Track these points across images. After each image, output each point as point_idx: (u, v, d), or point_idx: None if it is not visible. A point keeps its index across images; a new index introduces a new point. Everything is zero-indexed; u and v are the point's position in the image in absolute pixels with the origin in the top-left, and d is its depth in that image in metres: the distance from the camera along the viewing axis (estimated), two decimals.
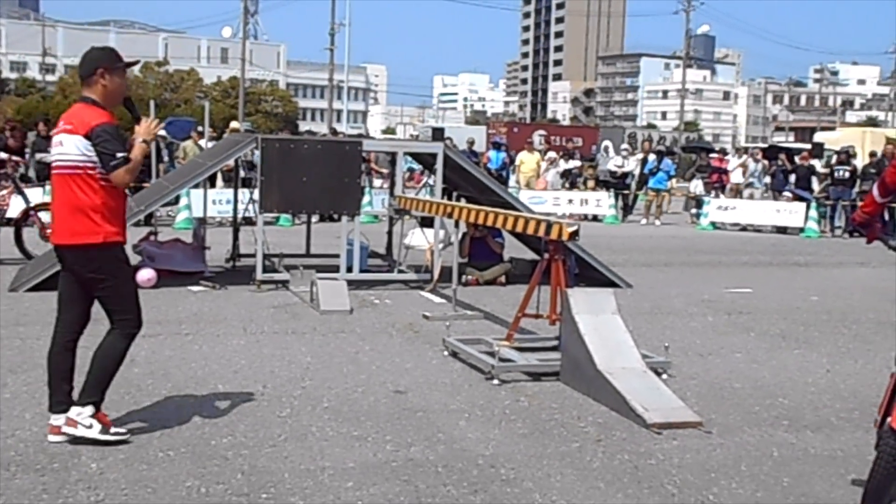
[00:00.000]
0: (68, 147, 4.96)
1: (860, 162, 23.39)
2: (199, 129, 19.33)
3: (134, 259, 10.91)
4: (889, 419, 4.03)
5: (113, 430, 5.08)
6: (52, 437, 5.07)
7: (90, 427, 5.00)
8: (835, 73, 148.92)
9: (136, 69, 71.01)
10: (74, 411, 5.02)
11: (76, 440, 5.02)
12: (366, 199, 17.50)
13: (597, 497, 4.59)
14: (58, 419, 5.08)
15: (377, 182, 22.46)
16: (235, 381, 6.50)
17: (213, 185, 17.70)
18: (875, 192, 4.46)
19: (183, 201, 17.19)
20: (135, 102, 5.45)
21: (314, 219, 14.42)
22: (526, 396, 6.40)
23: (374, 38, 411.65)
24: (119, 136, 5.02)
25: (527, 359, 7.08)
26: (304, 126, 74.55)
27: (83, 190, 4.95)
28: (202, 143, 17.96)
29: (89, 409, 5.03)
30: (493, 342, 7.36)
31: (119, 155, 4.91)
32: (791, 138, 68.76)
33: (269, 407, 5.90)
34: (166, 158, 19.54)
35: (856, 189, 21.37)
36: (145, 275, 10.26)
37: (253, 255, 10.77)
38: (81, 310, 5.20)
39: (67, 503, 4.30)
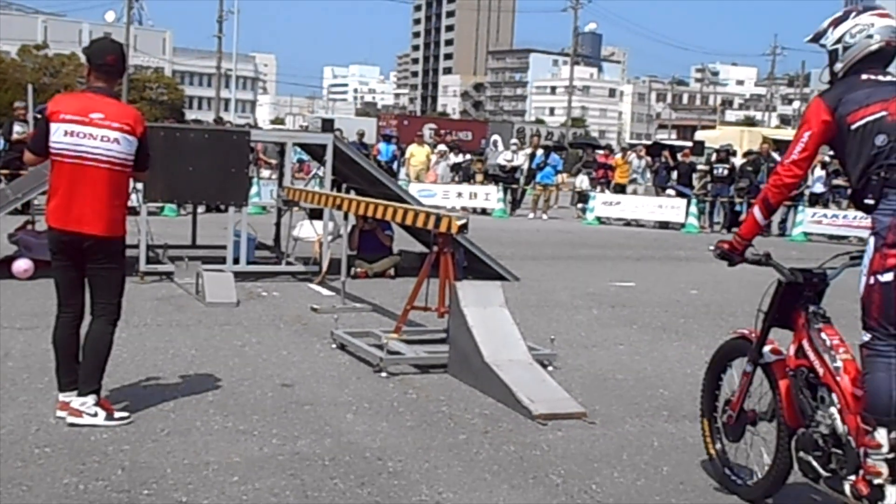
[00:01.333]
0: (125, 146, 5.23)
1: (738, 160, 24.21)
2: None
3: (9, 249, 10.56)
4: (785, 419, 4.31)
5: (116, 414, 5.26)
6: (59, 413, 5.26)
7: (95, 415, 5.17)
8: (715, 74, 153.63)
9: (12, 52, 68.45)
10: (78, 402, 5.19)
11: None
12: (254, 189, 17.25)
13: (483, 488, 4.64)
14: (67, 396, 5.28)
15: (265, 173, 22.18)
16: (116, 374, 6.31)
17: None
18: (758, 214, 4.32)
19: None
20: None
21: (200, 209, 14.16)
22: (414, 389, 6.42)
23: (263, 26, 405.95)
24: None
25: (415, 351, 7.11)
26: (190, 115, 72.99)
27: (124, 186, 5.37)
28: None
29: (92, 398, 5.20)
30: (382, 335, 7.36)
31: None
32: (674, 136, 70.64)
33: (152, 401, 5.77)
34: None
35: (734, 186, 22.08)
36: (22, 265, 9.93)
37: (136, 246, 10.49)
38: (84, 294, 5.44)
39: None
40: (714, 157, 23.59)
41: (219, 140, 10.73)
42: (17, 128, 17.96)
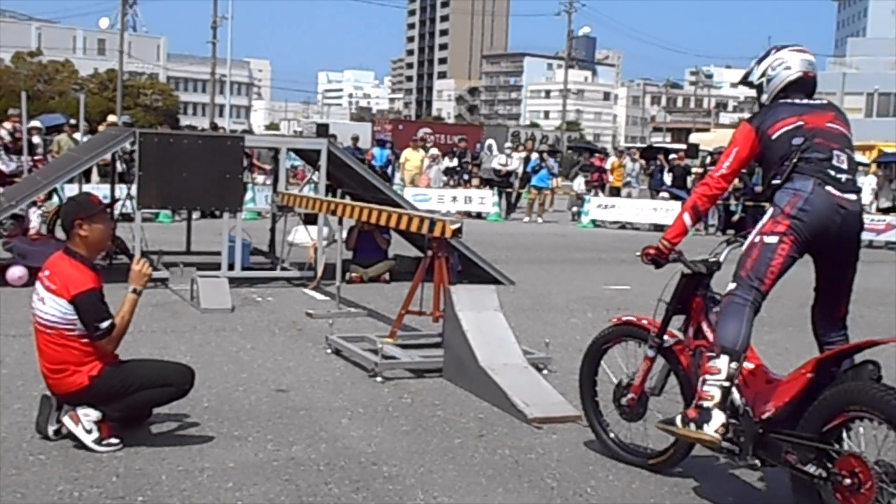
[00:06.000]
0: (49, 307, 5.01)
1: None
2: (73, 122, 18.77)
3: (3, 255, 10.55)
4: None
5: (106, 440, 4.99)
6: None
7: (89, 432, 4.97)
8: (709, 76, 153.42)
9: (6, 59, 68.31)
10: (82, 410, 5.00)
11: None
12: (248, 195, 17.26)
13: (478, 492, 4.64)
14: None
15: (260, 178, 22.18)
16: None
17: (88, 180, 17.16)
18: (686, 220, 4.74)
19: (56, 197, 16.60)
20: (124, 242, 5.43)
21: (195, 215, 14.17)
22: (409, 393, 6.42)
23: (257, 32, 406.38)
24: (102, 300, 5.06)
25: (410, 356, 7.11)
26: (185, 120, 73.02)
27: (61, 346, 4.99)
28: (77, 136, 17.44)
29: (96, 415, 4.99)
30: (377, 339, 7.36)
31: (103, 326, 4.99)
32: (668, 139, 70.74)
33: None
34: (40, 151, 18.85)
35: (728, 188, 22.08)
36: (16, 273, 9.92)
37: (130, 251, 10.50)
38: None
39: None
40: (709, 160, 23.64)
41: (213, 146, 10.72)
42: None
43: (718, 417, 4.18)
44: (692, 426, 4.24)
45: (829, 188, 4.25)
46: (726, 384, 4.20)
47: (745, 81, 4.82)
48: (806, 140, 4.35)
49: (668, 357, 4.94)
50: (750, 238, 4.39)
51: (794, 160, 4.31)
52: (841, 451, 4.01)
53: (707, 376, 4.25)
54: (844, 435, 4.05)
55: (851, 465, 3.93)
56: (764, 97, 4.68)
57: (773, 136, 4.43)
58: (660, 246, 4.80)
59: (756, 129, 4.50)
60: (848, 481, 3.92)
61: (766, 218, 4.35)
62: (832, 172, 4.28)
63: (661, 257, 4.81)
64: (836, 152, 4.34)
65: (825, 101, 4.64)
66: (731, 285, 4.38)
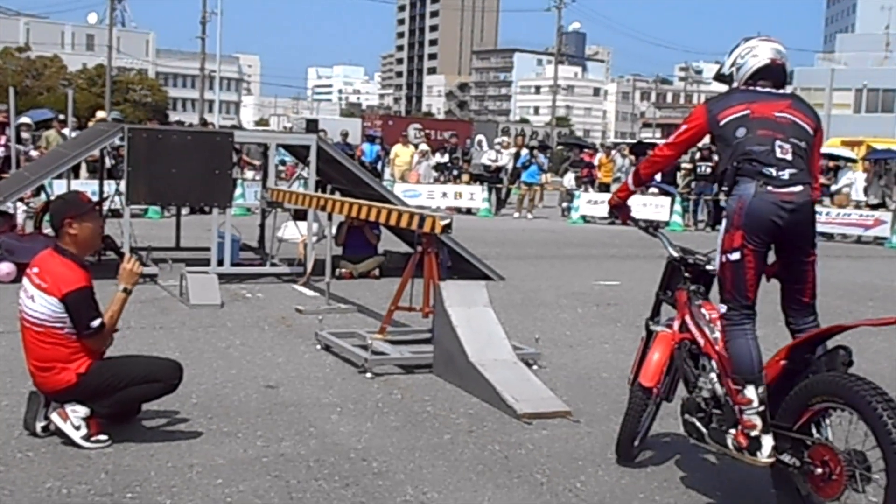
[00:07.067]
0: (39, 305, 4.99)
1: None
2: (62, 117, 18.68)
3: None
4: (639, 377, 4.89)
5: (94, 437, 4.98)
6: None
7: (78, 428, 4.95)
8: (699, 72, 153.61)
9: None
10: (70, 406, 4.98)
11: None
12: (238, 191, 17.22)
13: (468, 488, 4.64)
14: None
15: (249, 174, 22.13)
16: None
17: (76, 176, 17.10)
18: (630, 180, 5.10)
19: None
20: (113, 239, 5.35)
21: (184, 211, 14.13)
22: (399, 389, 6.42)
23: (246, 27, 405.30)
24: (93, 298, 5.05)
25: (400, 351, 7.11)
26: (174, 116, 72.71)
27: (49, 344, 4.99)
28: (65, 132, 17.36)
29: (85, 411, 4.98)
30: (367, 335, 7.35)
31: (93, 325, 4.99)
32: (658, 134, 70.81)
33: None
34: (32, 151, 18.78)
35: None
36: (4, 269, 9.87)
37: (119, 249, 10.46)
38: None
39: None
40: (698, 156, 23.60)
41: (202, 142, 10.69)
42: None
43: (767, 442, 4.19)
44: (746, 454, 4.26)
45: (769, 188, 4.27)
46: (762, 409, 4.22)
47: (718, 76, 4.85)
48: (748, 131, 4.37)
49: (648, 339, 5.04)
50: (718, 257, 4.44)
51: (736, 164, 4.35)
52: (812, 441, 4.07)
53: (742, 407, 4.26)
54: (820, 424, 4.11)
55: (821, 454, 4.00)
56: (734, 86, 4.69)
57: (722, 123, 4.48)
58: (609, 200, 5.35)
59: (708, 111, 4.57)
60: (819, 470, 3.99)
61: (722, 232, 4.40)
62: (773, 171, 4.28)
63: (611, 206, 5.32)
64: (778, 143, 4.33)
65: (786, 92, 4.63)
66: (723, 307, 4.45)
